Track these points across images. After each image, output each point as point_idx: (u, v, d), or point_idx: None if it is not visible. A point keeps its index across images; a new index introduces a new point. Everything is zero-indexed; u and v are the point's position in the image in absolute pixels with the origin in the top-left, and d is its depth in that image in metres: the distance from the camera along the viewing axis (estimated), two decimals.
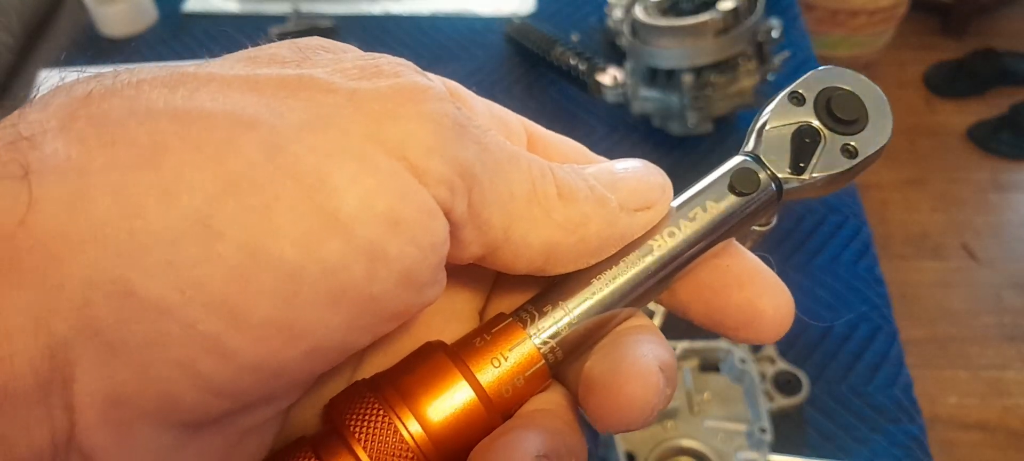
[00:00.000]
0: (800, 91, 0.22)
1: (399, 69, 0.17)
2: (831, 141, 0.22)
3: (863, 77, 0.23)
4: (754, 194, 0.21)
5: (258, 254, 0.14)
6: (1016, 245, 1.85)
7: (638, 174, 0.21)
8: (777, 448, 0.60)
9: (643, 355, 0.19)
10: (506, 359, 0.19)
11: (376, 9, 1.06)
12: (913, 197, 1.96)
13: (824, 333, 0.70)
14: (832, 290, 0.73)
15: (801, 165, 0.21)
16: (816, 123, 0.22)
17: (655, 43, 0.77)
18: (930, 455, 0.63)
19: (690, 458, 0.61)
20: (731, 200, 0.21)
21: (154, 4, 1.06)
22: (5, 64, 0.99)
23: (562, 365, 0.20)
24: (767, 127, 0.22)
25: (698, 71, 0.76)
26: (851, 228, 0.78)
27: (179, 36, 1.03)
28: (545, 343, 0.20)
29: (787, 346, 0.68)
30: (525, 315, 0.20)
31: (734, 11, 0.74)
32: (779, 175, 0.21)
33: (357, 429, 0.18)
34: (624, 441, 0.60)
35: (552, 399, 0.21)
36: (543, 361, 0.20)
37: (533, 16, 1.03)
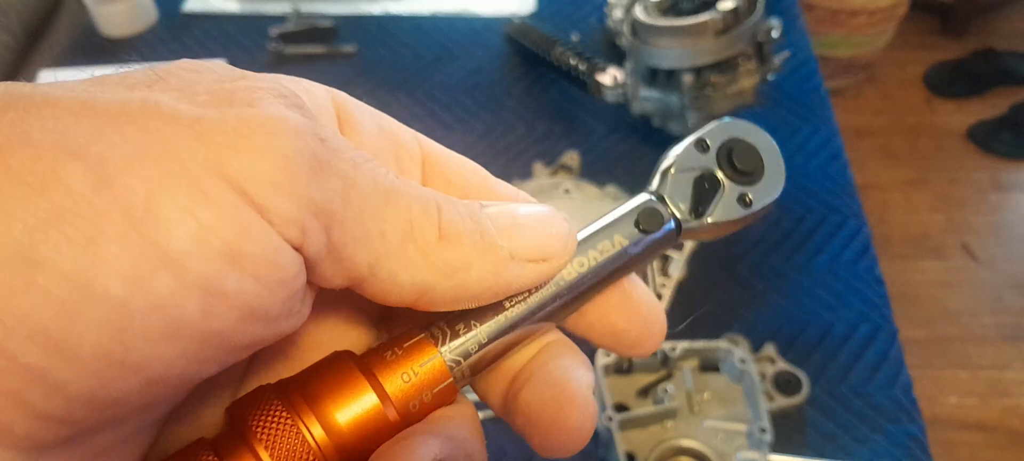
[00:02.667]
0: (706, 139, 0.24)
1: (256, 96, 0.16)
2: (730, 190, 0.24)
3: (763, 132, 0.25)
4: (656, 232, 0.23)
5: (83, 287, 0.13)
6: (1016, 245, 1.85)
7: (540, 222, 0.20)
8: (777, 448, 0.60)
9: (577, 382, 0.20)
10: (415, 374, 0.19)
11: (376, 9, 1.06)
12: (913, 197, 1.96)
13: (824, 333, 0.70)
14: (832, 290, 0.73)
15: (700, 209, 0.23)
16: (717, 172, 0.24)
17: (655, 43, 0.77)
18: (930, 455, 0.63)
19: (690, 458, 0.61)
20: (635, 235, 0.22)
21: (154, 4, 1.06)
22: (5, 64, 0.99)
23: (469, 381, 0.21)
24: (672, 170, 0.24)
25: (698, 71, 0.77)
26: (851, 228, 0.78)
27: (179, 36, 1.03)
28: (455, 361, 0.20)
29: (787, 346, 0.68)
30: (437, 332, 0.20)
31: (734, 11, 0.74)
32: (678, 216, 0.23)
33: (260, 431, 0.18)
34: (624, 442, 0.60)
35: (458, 407, 0.21)
36: (451, 379, 0.20)
37: (533, 16, 1.03)
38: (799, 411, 0.64)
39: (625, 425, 0.61)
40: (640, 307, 0.22)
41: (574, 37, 0.97)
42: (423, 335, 0.20)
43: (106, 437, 0.17)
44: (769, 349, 0.66)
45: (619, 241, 0.22)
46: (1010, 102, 2.10)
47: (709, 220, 0.23)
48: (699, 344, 0.64)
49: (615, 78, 0.83)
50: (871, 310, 0.72)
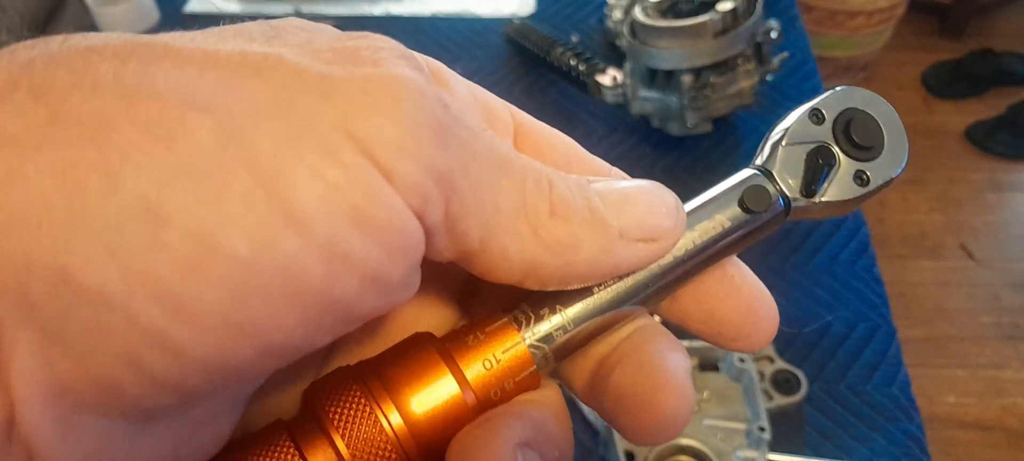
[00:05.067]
0: (821, 109, 0.22)
1: (380, 55, 0.15)
2: (846, 166, 0.21)
3: (884, 102, 0.22)
4: (764, 212, 0.21)
5: (207, 245, 0.13)
6: (1014, 245, 1.86)
7: (651, 199, 0.19)
8: (776, 447, 0.60)
9: (673, 367, 0.19)
10: (497, 361, 0.18)
11: (377, 10, 1.06)
12: (911, 197, 1.96)
13: (822, 332, 0.70)
14: (830, 289, 0.74)
15: (813, 187, 0.21)
16: (833, 145, 0.21)
17: (654, 44, 0.77)
18: (928, 454, 0.63)
19: (689, 457, 0.61)
20: (740, 215, 0.20)
21: (156, 5, 1.06)
22: None
23: (554, 367, 0.20)
24: (783, 142, 0.21)
25: (697, 72, 0.77)
26: (849, 228, 0.79)
27: None
28: (538, 347, 0.19)
29: (785, 345, 0.68)
30: (521, 316, 0.19)
31: (733, 12, 0.74)
32: (789, 194, 0.21)
33: (337, 417, 0.17)
34: (623, 440, 0.60)
35: (543, 391, 0.20)
36: (535, 366, 0.19)
37: (533, 17, 1.03)
38: (798, 410, 0.64)
39: None
40: (743, 293, 0.21)
41: (574, 38, 0.97)
42: (506, 319, 0.19)
43: (204, 410, 0.16)
44: (768, 348, 0.67)
45: (721, 221, 0.20)
46: (1008, 102, 2.10)
47: (822, 199, 0.21)
48: (698, 343, 0.65)
49: (615, 79, 0.83)
50: (869, 309, 0.72)
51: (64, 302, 0.13)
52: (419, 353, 0.18)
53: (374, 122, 0.14)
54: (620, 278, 0.19)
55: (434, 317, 0.21)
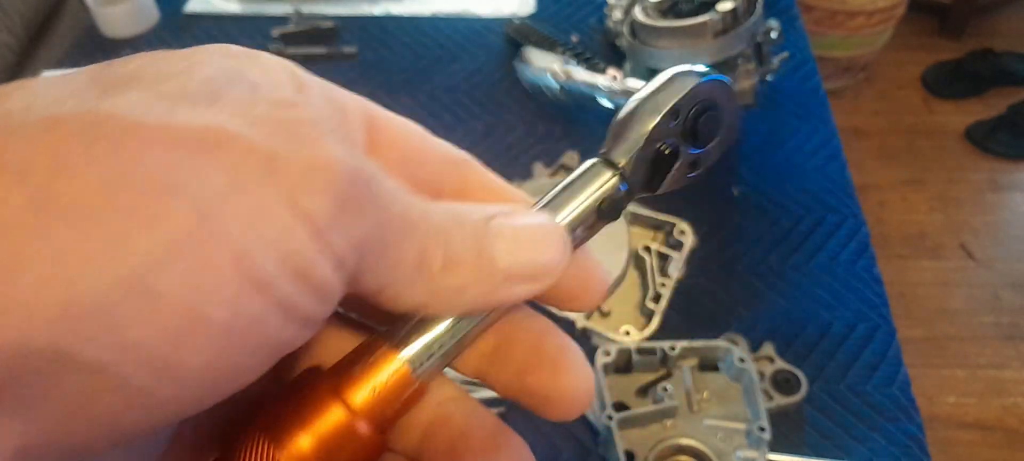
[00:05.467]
0: (679, 109, 0.22)
1: (317, 132, 0.17)
2: (684, 159, 0.22)
3: (728, 86, 0.22)
4: (612, 212, 0.22)
5: (194, 316, 0.15)
6: (1014, 245, 1.86)
7: (540, 242, 0.20)
8: (776, 447, 0.60)
9: (562, 348, 0.21)
10: (383, 385, 0.20)
11: (377, 10, 1.06)
12: (911, 197, 1.96)
13: (822, 332, 0.71)
14: (830, 289, 0.74)
15: (655, 183, 0.22)
16: (680, 142, 0.22)
17: (654, 44, 0.77)
18: (928, 454, 0.63)
19: (689, 457, 0.61)
20: (596, 222, 0.22)
21: (156, 5, 1.06)
22: (7, 65, 0.99)
23: (440, 371, 0.21)
24: (641, 146, 0.22)
25: None
26: (849, 228, 0.79)
27: (181, 37, 1.03)
28: (421, 362, 0.20)
29: (786, 345, 0.68)
30: (402, 339, 0.20)
31: (733, 12, 0.74)
32: (631, 189, 0.22)
33: None
34: (623, 440, 0.60)
35: (452, 392, 0.22)
36: (417, 383, 0.20)
37: (533, 17, 1.03)
38: (798, 410, 0.64)
39: (624, 424, 0.61)
40: (580, 263, 0.22)
41: (574, 38, 0.97)
42: (386, 346, 0.20)
43: (140, 451, 0.18)
44: (768, 348, 0.67)
45: (581, 229, 0.22)
46: (1008, 102, 2.10)
47: (658, 191, 0.22)
48: (698, 343, 0.65)
49: (615, 79, 0.83)
50: (869, 309, 0.72)
51: (55, 377, 0.14)
52: (310, 389, 0.20)
53: (316, 201, 0.16)
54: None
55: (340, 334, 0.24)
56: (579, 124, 0.89)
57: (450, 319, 0.20)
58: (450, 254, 0.19)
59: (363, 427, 0.20)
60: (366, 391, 0.20)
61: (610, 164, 0.22)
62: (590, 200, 0.22)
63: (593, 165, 0.22)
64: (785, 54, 0.83)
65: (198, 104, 0.16)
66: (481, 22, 1.03)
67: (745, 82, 0.78)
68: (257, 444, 0.19)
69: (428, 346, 0.20)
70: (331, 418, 0.19)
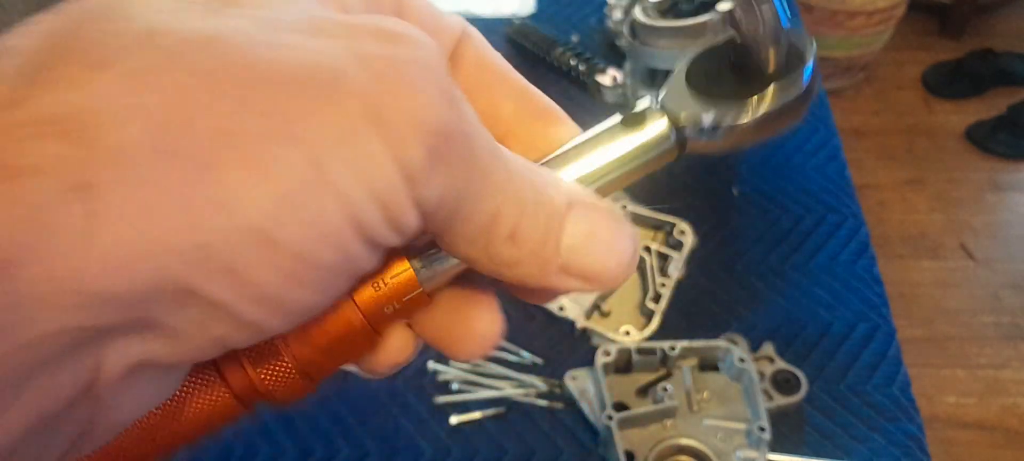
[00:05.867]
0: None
1: (419, 78, 0.17)
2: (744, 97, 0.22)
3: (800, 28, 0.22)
4: (649, 134, 0.22)
5: (306, 260, 0.16)
6: (1014, 245, 1.86)
7: (611, 247, 0.20)
8: (776, 447, 0.60)
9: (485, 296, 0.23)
10: (388, 284, 0.21)
11: None
12: (911, 197, 1.96)
13: (822, 332, 0.70)
14: (830, 289, 0.74)
15: (703, 110, 0.22)
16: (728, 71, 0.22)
17: (654, 44, 0.77)
18: (928, 454, 0.63)
19: (689, 457, 0.61)
20: (626, 139, 0.22)
21: None
22: None
23: (444, 287, 0.22)
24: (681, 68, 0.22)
25: None
26: (849, 228, 0.79)
27: None
28: (429, 278, 0.21)
29: (786, 345, 0.68)
30: (415, 252, 0.21)
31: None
32: (680, 115, 0.22)
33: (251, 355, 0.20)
34: (623, 440, 0.60)
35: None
36: (421, 288, 0.21)
37: (533, 17, 1.03)
38: (798, 410, 0.64)
39: (624, 424, 0.61)
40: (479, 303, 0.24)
41: (574, 38, 0.97)
42: (402, 253, 0.21)
43: None
44: (768, 348, 0.67)
45: (604, 142, 0.22)
46: (1008, 102, 2.10)
47: (715, 122, 0.22)
48: (698, 343, 0.65)
49: (615, 79, 0.83)
50: (869, 309, 0.72)
51: (180, 310, 0.15)
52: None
53: (414, 153, 0.16)
54: None
55: None
56: (579, 124, 0.89)
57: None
58: (519, 228, 0.19)
59: (355, 314, 0.21)
60: (372, 293, 0.21)
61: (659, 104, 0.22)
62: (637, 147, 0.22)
63: (653, 115, 0.22)
64: None
65: (302, 32, 0.16)
66: (481, 22, 1.03)
67: None
68: None
69: (440, 263, 0.21)
70: (336, 309, 0.20)
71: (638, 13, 0.80)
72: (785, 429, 0.62)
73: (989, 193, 1.98)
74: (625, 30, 0.81)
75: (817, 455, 0.62)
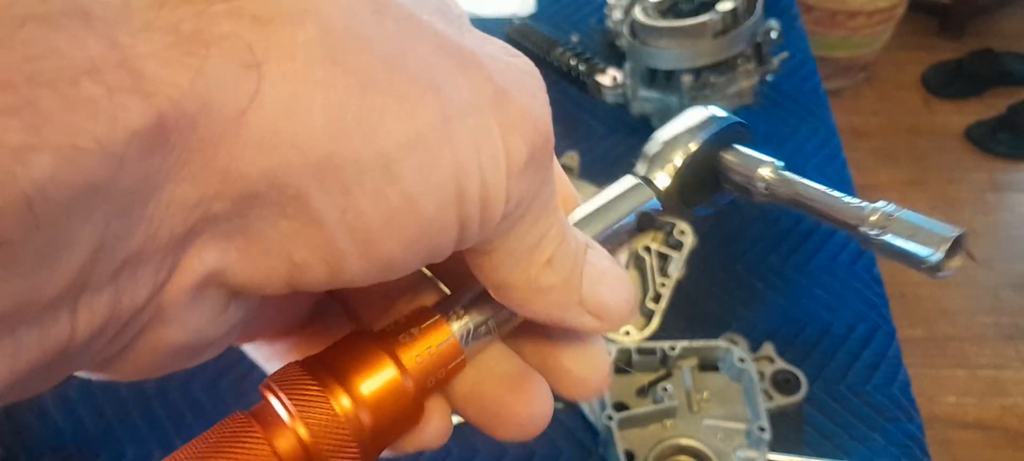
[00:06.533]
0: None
1: (535, 87, 0.19)
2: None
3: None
4: (648, 229, 0.24)
5: (411, 206, 0.16)
6: (1014, 245, 1.86)
7: (619, 291, 0.22)
8: (776, 447, 0.60)
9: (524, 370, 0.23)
10: (434, 353, 0.21)
11: None
12: (911, 197, 1.96)
13: (822, 332, 0.71)
14: (830, 289, 0.74)
15: (694, 200, 0.25)
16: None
17: (654, 44, 0.77)
18: (928, 454, 0.63)
19: (689, 457, 0.61)
20: (633, 233, 0.24)
21: None
22: None
23: (471, 356, 0.23)
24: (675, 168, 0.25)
25: (697, 72, 0.77)
26: None
27: None
28: (468, 341, 0.22)
29: (785, 345, 0.68)
30: (453, 316, 0.22)
31: (733, 12, 0.74)
32: (667, 208, 0.25)
33: (297, 406, 0.20)
34: (623, 440, 0.60)
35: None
36: (462, 356, 0.22)
37: (533, 17, 1.03)
38: (798, 410, 0.64)
39: (624, 424, 0.61)
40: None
41: (574, 38, 0.97)
42: (439, 317, 0.22)
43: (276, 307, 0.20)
44: (768, 348, 0.67)
45: (619, 235, 0.24)
46: (1008, 103, 2.10)
47: (697, 208, 0.26)
48: (698, 343, 0.65)
49: (615, 79, 0.83)
50: (869, 309, 0.72)
51: (280, 214, 0.15)
52: (361, 346, 0.21)
53: (520, 146, 0.17)
54: None
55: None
56: (579, 124, 0.89)
57: (497, 308, 0.22)
58: (557, 255, 0.20)
59: (410, 387, 0.21)
60: (416, 355, 0.21)
61: (649, 183, 0.25)
62: (626, 216, 0.24)
63: (635, 185, 0.24)
64: (785, 54, 0.82)
65: (453, 25, 0.18)
66: (481, 22, 1.03)
67: (745, 82, 0.78)
68: (303, 387, 0.20)
69: (477, 326, 0.22)
70: (383, 373, 0.20)
71: (638, 13, 0.80)
72: (785, 429, 0.62)
73: (989, 193, 1.98)
74: (625, 30, 0.81)
75: (817, 455, 0.62)
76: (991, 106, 2.14)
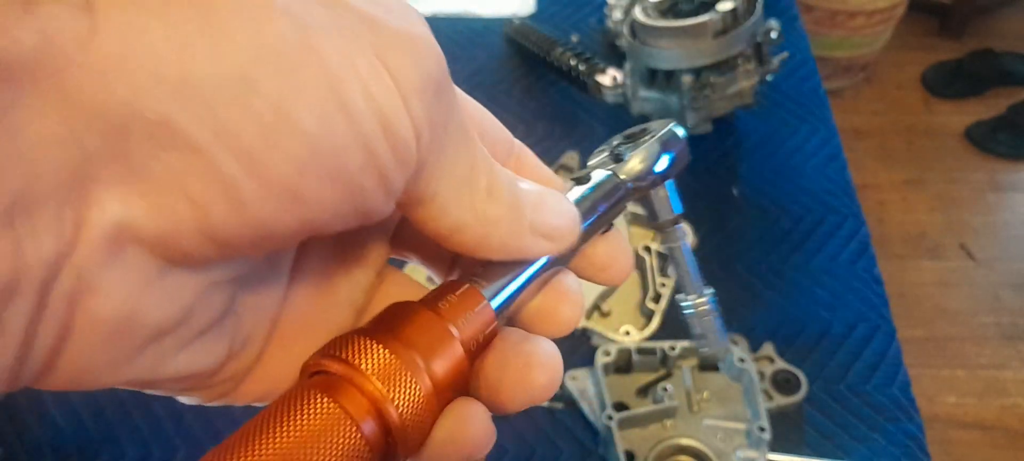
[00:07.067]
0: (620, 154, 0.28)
1: (412, 16, 0.19)
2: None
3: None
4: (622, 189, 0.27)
5: (285, 117, 0.16)
6: (1014, 245, 1.86)
7: (557, 207, 0.24)
8: (776, 447, 0.60)
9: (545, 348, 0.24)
10: (476, 319, 0.22)
11: None
12: (911, 197, 1.96)
13: (822, 332, 0.70)
14: (830, 290, 0.74)
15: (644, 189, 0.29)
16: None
17: (654, 44, 0.77)
18: (928, 454, 0.63)
19: (689, 457, 0.61)
20: (605, 212, 0.26)
21: None
22: None
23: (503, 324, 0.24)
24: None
25: (697, 72, 0.77)
26: (849, 228, 0.79)
27: None
28: (498, 307, 0.23)
29: (786, 345, 0.68)
30: (477, 282, 0.23)
31: (733, 12, 0.74)
32: (634, 190, 0.28)
33: (361, 359, 0.19)
34: (623, 440, 0.60)
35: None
36: (496, 322, 0.23)
37: (533, 17, 1.03)
38: (798, 410, 0.64)
39: (624, 424, 0.61)
40: (616, 248, 0.27)
41: (574, 38, 0.97)
42: (469, 285, 0.23)
43: (223, 272, 0.19)
44: (768, 348, 0.67)
45: (594, 213, 0.26)
46: (1008, 103, 2.10)
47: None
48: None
49: (615, 79, 0.83)
50: (869, 310, 0.72)
51: (157, 146, 0.15)
52: (414, 312, 0.21)
53: (404, 63, 0.17)
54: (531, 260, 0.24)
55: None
56: (579, 124, 0.89)
57: (509, 274, 0.23)
58: (493, 184, 0.21)
59: (463, 351, 0.21)
60: (462, 322, 0.22)
61: (618, 175, 0.27)
62: (601, 193, 0.26)
63: (607, 177, 0.27)
64: (785, 54, 0.82)
65: None
66: (481, 22, 1.03)
67: (745, 82, 0.78)
68: (366, 346, 0.20)
69: (502, 293, 0.23)
70: (442, 338, 0.21)
71: (638, 13, 0.79)
72: (785, 429, 0.62)
73: (989, 193, 1.98)
74: (625, 30, 0.81)
75: (817, 455, 0.62)
76: (991, 106, 2.14)
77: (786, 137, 0.88)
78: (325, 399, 0.18)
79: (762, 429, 0.59)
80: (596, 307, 0.71)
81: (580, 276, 0.27)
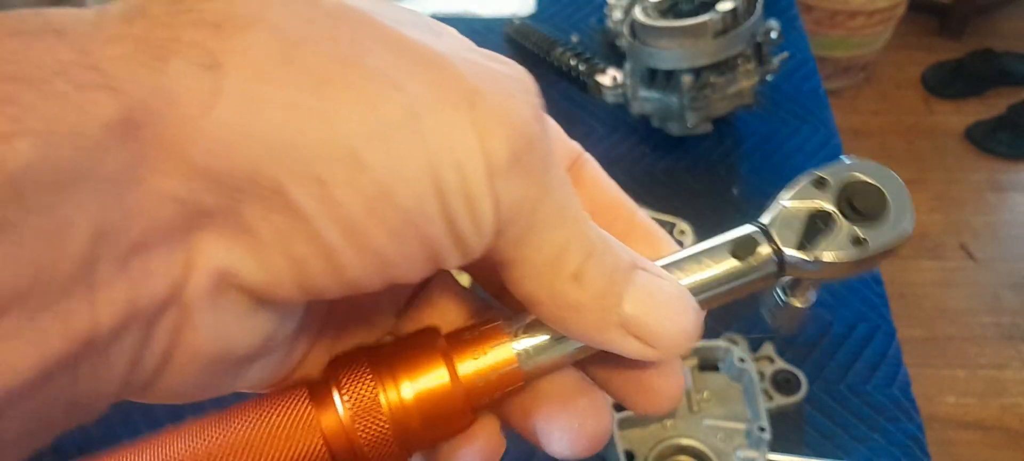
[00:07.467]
0: (825, 176, 0.23)
1: (515, 88, 0.19)
2: (846, 230, 0.23)
3: (890, 172, 0.24)
4: (753, 261, 0.22)
5: (387, 194, 0.17)
6: (1014, 245, 1.86)
7: (677, 312, 0.21)
8: (776, 447, 0.60)
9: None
10: (491, 369, 0.21)
11: None
12: (911, 197, 1.96)
13: (823, 332, 0.70)
14: (830, 289, 0.74)
15: (807, 244, 0.23)
16: (832, 209, 0.23)
17: (654, 44, 0.77)
18: (928, 454, 0.63)
19: (689, 457, 0.61)
20: (730, 264, 0.22)
21: None
22: None
23: (537, 375, 0.22)
24: (784, 204, 0.23)
25: (697, 72, 0.77)
26: None
27: None
28: (528, 362, 0.21)
29: (786, 345, 0.68)
30: (517, 333, 0.21)
31: (733, 12, 0.74)
32: (784, 250, 0.23)
33: (347, 387, 0.20)
34: (623, 440, 0.60)
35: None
36: (518, 365, 0.21)
37: (533, 17, 1.03)
38: (798, 410, 0.64)
39: (624, 424, 0.61)
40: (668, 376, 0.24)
41: (574, 38, 0.97)
42: (504, 333, 0.22)
43: (300, 315, 0.20)
44: (768, 348, 0.67)
45: (708, 264, 0.22)
46: (1008, 103, 2.10)
47: (816, 256, 0.23)
48: (698, 343, 0.65)
49: (615, 79, 0.83)
50: (869, 309, 0.72)
51: (268, 208, 0.16)
52: (423, 346, 0.21)
53: (497, 146, 0.18)
54: None
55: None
56: (579, 124, 0.89)
57: (558, 336, 0.21)
58: (585, 270, 0.20)
59: (460, 393, 0.21)
60: (473, 367, 0.21)
61: (756, 222, 0.23)
62: (721, 240, 0.23)
63: (743, 226, 0.23)
64: (785, 54, 0.82)
65: (424, 32, 0.19)
66: (481, 22, 1.03)
67: (745, 82, 0.78)
68: (360, 374, 0.21)
69: (538, 348, 0.21)
70: (435, 378, 0.21)
71: (638, 13, 0.79)
72: (785, 429, 0.62)
73: (989, 193, 1.98)
74: (625, 30, 0.81)
75: (817, 455, 0.62)
76: (991, 106, 2.14)
77: (786, 137, 0.88)
78: (308, 404, 0.20)
79: (762, 429, 0.59)
80: None
81: (608, 390, 0.24)
